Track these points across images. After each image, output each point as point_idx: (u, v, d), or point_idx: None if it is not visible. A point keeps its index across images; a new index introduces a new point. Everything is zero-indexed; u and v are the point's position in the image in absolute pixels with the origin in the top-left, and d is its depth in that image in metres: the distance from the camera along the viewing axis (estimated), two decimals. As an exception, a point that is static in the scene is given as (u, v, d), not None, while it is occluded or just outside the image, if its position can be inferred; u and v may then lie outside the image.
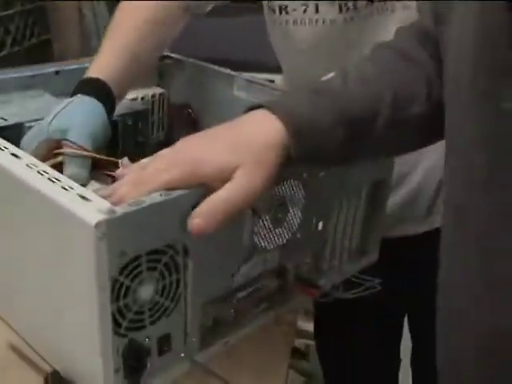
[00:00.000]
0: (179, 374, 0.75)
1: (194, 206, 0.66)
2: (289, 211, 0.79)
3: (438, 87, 0.73)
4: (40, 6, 1.63)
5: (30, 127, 0.92)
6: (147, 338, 0.69)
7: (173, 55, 1.25)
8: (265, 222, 0.76)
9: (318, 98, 0.71)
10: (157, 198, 0.64)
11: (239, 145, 0.67)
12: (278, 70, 1.29)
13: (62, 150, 0.83)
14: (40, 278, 0.71)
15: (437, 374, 1.06)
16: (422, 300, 1.20)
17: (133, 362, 0.68)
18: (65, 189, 0.65)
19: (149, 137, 1.16)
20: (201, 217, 0.64)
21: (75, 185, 0.66)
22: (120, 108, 1.06)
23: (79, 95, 0.90)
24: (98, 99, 0.91)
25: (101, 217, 0.59)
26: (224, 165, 0.65)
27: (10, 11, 1.51)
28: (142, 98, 1.19)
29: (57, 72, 1.11)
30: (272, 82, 1.25)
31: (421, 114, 0.74)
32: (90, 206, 0.61)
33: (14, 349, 0.77)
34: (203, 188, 0.66)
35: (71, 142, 0.83)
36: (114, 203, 0.62)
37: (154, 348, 0.70)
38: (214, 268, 0.73)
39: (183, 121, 1.24)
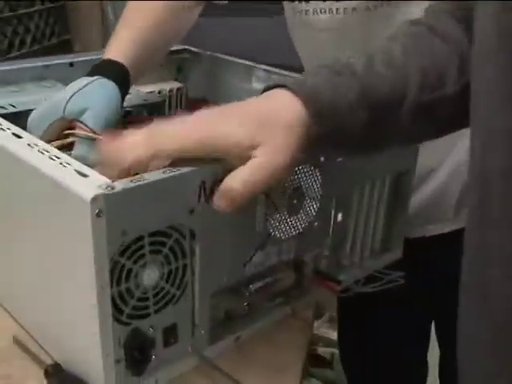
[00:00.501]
0: (186, 369, 0.70)
1: (202, 186, 0.62)
2: (305, 198, 0.74)
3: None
4: (60, 6, 1.61)
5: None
6: (151, 327, 0.65)
7: (191, 48, 1.21)
8: (279, 208, 0.72)
9: (340, 78, 0.67)
10: (160, 174, 0.60)
11: (260, 122, 0.62)
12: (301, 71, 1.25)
13: (73, 131, 0.80)
14: (41, 263, 0.68)
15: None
16: (447, 304, 1.15)
17: (136, 353, 0.64)
18: (63, 165, 0.61)
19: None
20: (217, 197, 0.61)
21: (74, 161, 0.62)
22: (135, 99, 1.04)
23: (99, 77, 0.87)
24: (116, 82, 0.88)
25: (98, 191, 0.55)
26: (244, 140, 0.60)
27: (30, 9, 1.49)
28: (159, 92, 1.15)
29: (71, 64, 1.08)
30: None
31: (450, 96, 0.69)
32: (87, 181, 0.58)
33: (17, 341, 0.74)
34: (214, 167, 0.62)
35: (84, 124, 0.80)
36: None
37: (159, 339, 0.66)
38: (223, 255, 0.68)
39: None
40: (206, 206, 0.63)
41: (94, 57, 1.07)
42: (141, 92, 1.08)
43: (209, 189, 0.63)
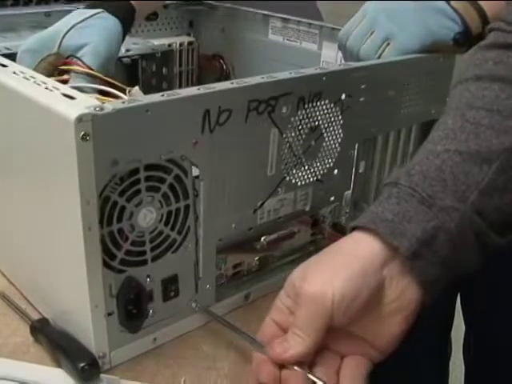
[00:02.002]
0: (189, 328, 0.63)
1: (207, 115, 0.54)
2: (324, 140, 0.67)
3: None
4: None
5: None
6: (148, 277, 0.57)
7: (204, 1, 1.13)
8: (294, 149, 0.64)
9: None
10: (158, 97, 0.52)
11: None
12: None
13: (70, 68, 0.73)
14: (28, 207, 0.60)
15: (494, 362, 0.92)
16: (474, 277, 1.06)
17: (131, 306, 0.57)
18: (49, 89, 0.54)
19: (174, 84, 1.05)
20: None
21: (61, 86, 0.55)
22: (143, 48, 0.97)
23: (100, 11, 0.80)
24: (118, 17, 0.80)
25: (83, 111, 0.47)
26: None
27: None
28: (169, 46, 1.08)
29: (74, 11, 1.01)
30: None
31: None
32: (74, 102, 0.50)
33: (3, 297, 0.66)
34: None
35: (81, 60, 0.73)
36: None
37: (157, 291, 0.58)
38: (231, 199, 0.61)
39: (215, 73, 1.13)
40: (210, 138, 0.56)
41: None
42: (149, 42, 1.01)
43: (214, 119, 0.55)
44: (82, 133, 0.47)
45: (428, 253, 0.52)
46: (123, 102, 0.50)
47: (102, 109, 0.48)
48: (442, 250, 0.52)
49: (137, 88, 0.74)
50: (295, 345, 0.51)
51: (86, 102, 0.49)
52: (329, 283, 0.50)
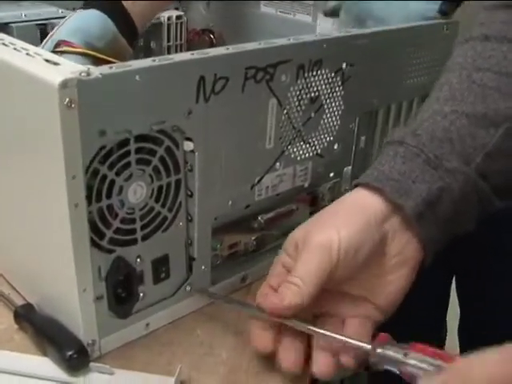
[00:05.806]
0: (184, 312, 0.59)
1: (202, 82, 0.50)
2: (324, 112, 0.63)
3: None
4: None
5: (18, 28, 0.82)
6: (139, 257, 0.53)
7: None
8: (293, 121, 0.60)
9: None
10: (149, 61, 0.48)
11: None
12: None
13: (59, 49, 0.69)
14: (12, 187, 0.56)
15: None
16: (469, 261, 1.04)
17: (120, 289, 0.53)
18: (31, 56, 0.49)
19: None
20: None
21: (44, 52, 0.50)
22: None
23: (80, 10, 0.76)
24: (103, 11, 0.76)
25: (68, 76, 0.43)
26: None
27: None
28: (157, 19, 1.03)
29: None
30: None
31: None
32: (58, 68, 0.46)
33: (-15, 282, 0.62)
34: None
35: (69, 42, 0.70)
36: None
37: (147, 272, 0.55)
38: (228, 173, 0.57)
39: (204, 48, 1.08)
40: (205, 108, 0.52)
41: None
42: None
43: (210, 88, 0.51)
44: (67, 99, 0.43)
45: (431, 213, 0.52)
46: (111, 67, 0.46)
47: (88, 74, 0.44)
48: (444, 210, 0.52)
49: None
50: (291, 294, 0.49)
51: (71, 68, 0.45)
52: (335, 233, 0.50)
